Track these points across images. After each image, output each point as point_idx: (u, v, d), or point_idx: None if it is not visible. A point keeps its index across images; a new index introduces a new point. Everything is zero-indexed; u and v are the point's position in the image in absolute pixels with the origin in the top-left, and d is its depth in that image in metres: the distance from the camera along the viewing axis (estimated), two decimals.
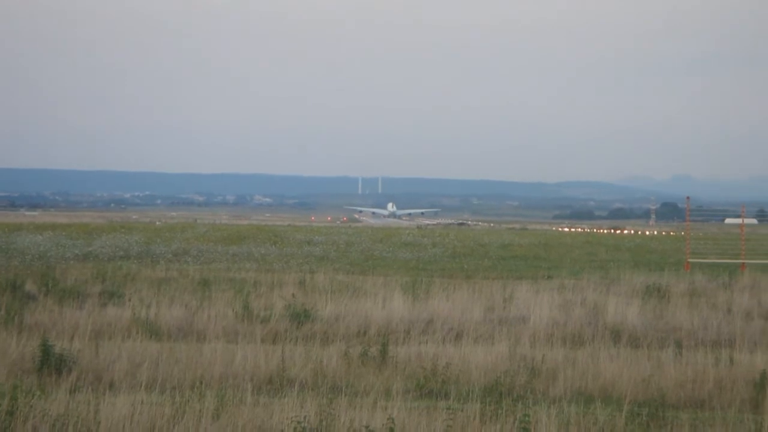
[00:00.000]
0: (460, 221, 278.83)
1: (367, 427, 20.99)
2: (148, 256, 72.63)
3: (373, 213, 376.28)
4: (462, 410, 22.68)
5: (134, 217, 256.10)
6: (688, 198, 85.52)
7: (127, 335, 32.82)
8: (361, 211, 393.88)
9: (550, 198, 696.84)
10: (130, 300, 39.83)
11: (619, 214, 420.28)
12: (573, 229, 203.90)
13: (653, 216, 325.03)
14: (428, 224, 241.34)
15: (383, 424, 21.13)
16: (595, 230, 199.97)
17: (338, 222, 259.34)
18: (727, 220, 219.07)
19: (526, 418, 21.57)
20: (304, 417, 21.28)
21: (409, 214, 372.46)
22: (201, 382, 25.22)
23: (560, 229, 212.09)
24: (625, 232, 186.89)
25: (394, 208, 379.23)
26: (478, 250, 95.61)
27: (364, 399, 23.56)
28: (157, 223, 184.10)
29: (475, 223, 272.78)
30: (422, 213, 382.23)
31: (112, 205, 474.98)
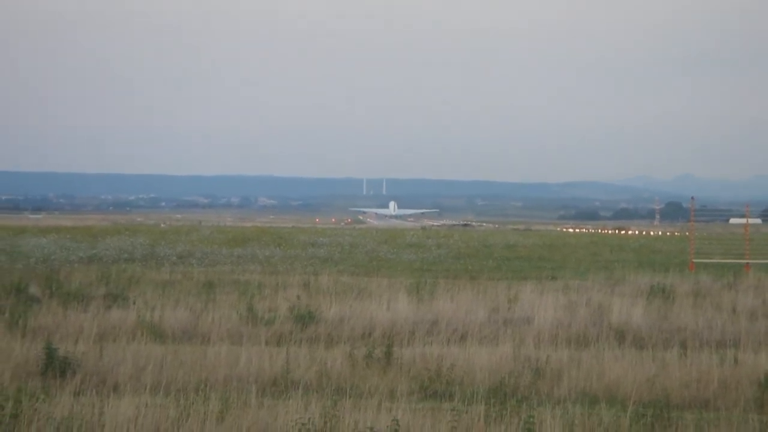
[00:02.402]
0: (465, 222, 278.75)
1: (371, 428, 20.95)
2: (153, 259, 72.66)
3: (376, 214, 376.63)
4: (466, 411, 22.63)
5: (138, 219, 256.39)
6: (692, 198, 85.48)
7: (132, 338, 32.79)
8: (365, 212, 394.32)
9: (554, 198, 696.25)
10: (134, 303, 39.75)
11: (624, 215, 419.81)
12: (577, 230, 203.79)
13: (658, 216, 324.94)
14: (433, 225, 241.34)
15: (388, 426, 21.09)
16: (599, 231, 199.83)
17: (342, 223, 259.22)
18: (732, 220, 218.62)
19: (531, 419, 21.55)
20: (309, 419, 21.26)
21: (411, 214, 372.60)
22: (205, 385, 25.19)
23: (564, 229, 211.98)
24: (630, 232, 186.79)
25: (396, 208, 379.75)
26: (483, 251, 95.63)
27: (368, 400, 23.53)
28: (162, 225, 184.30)
29: (479, 223, 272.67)
30: (422, 213, 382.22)
31: (111, 208, 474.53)
